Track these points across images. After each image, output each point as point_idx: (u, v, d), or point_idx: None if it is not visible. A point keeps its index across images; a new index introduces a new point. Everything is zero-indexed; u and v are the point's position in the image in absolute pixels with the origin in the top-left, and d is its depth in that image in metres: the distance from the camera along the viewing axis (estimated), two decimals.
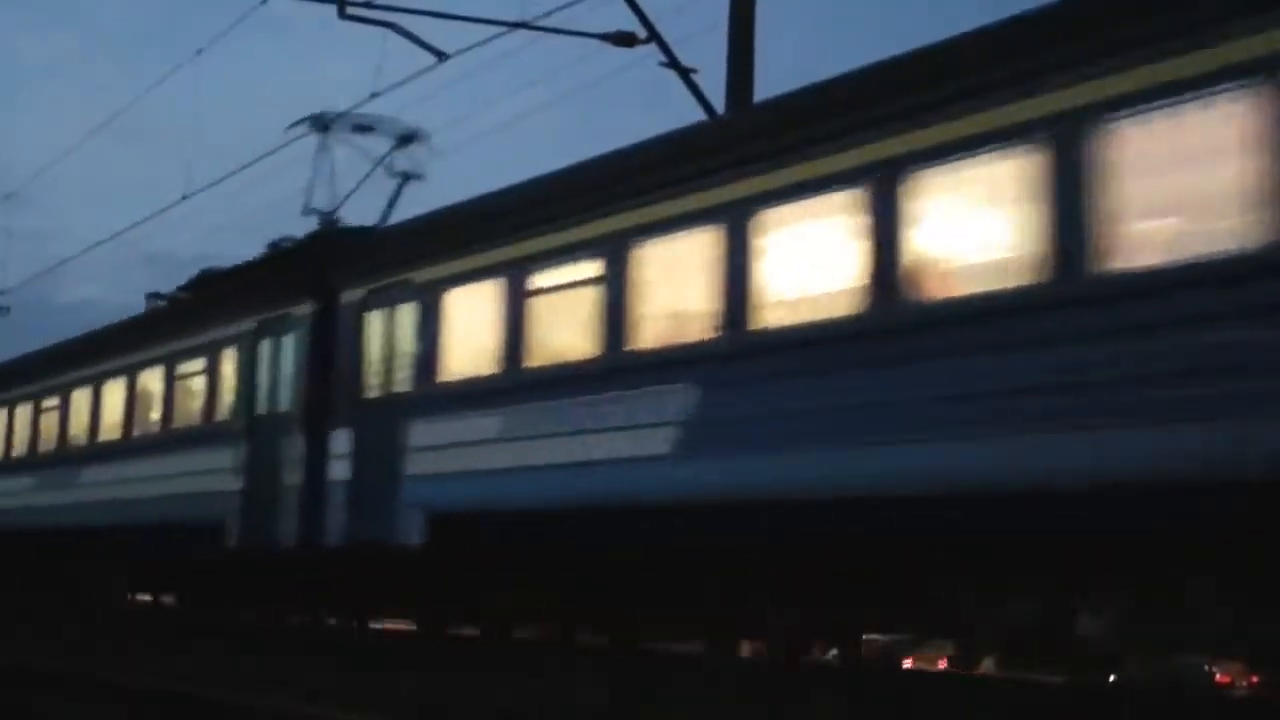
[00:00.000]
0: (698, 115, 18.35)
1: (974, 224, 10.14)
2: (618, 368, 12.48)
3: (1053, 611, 9.71)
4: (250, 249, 22.14)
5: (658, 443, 11.83)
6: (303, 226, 21.17)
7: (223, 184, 25.42)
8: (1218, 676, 9.51)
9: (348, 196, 20.35)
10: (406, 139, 20.17)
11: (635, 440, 12.05)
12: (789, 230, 11.25)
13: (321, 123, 20.22)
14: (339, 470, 16.14)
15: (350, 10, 18.93)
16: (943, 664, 11.80)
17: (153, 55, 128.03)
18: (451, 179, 22.25)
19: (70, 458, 24.04)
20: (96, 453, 23.01)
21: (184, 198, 26.03)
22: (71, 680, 14.23)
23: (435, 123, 20.88)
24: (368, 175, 20.25)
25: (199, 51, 27.50)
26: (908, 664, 12.08)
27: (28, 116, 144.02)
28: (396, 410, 15.33)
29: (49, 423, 25.35)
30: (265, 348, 18.07)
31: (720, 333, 11.55)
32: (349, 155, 20.38)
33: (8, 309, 46.90)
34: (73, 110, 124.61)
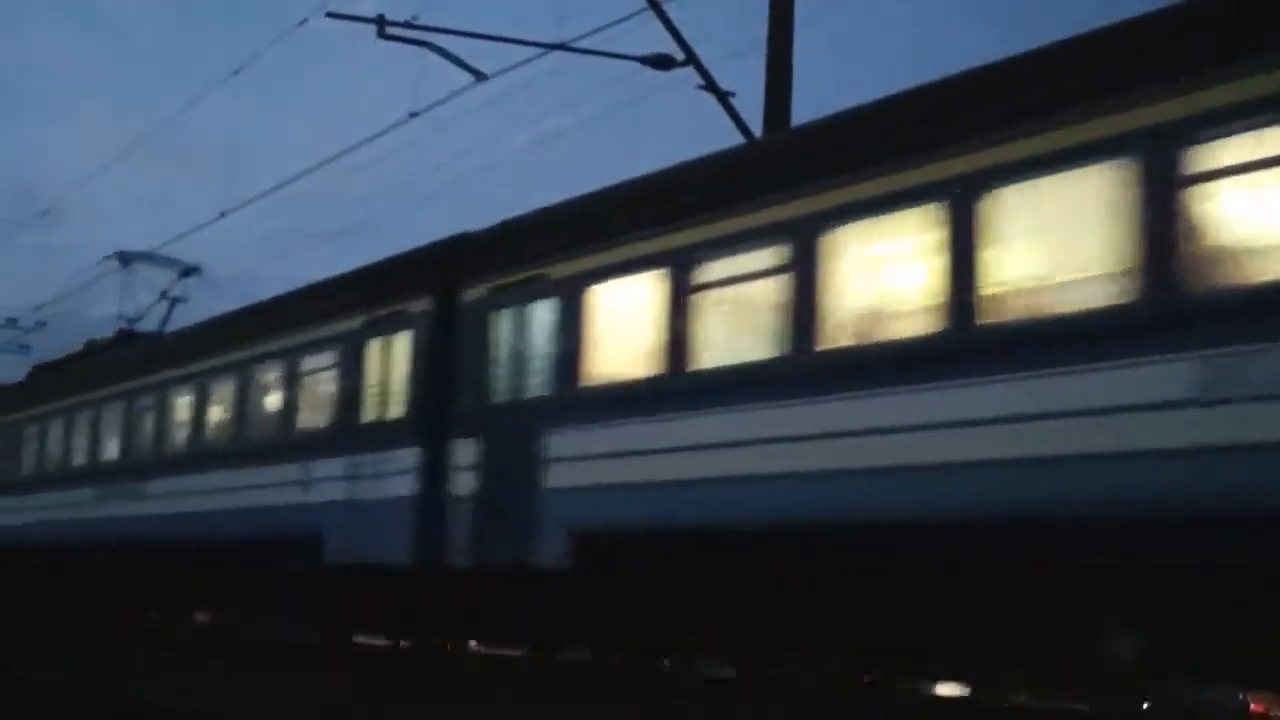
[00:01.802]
0: (735, 138, 18.41)
1: None
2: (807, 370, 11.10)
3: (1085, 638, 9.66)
4: (284, 269, 22.26)
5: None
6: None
7: (257, 202, 25.56)
8: (1252, 706, 9.44)
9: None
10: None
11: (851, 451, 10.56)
12: (1035, 209, 9.83)
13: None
14: (461, 483, 14.92)
15: (389, 30, 19.09)
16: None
17: (189, 72, 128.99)
18: (465, 202, 22.30)
19: (142, 467, 22.64)
20: (174, 462, 21.58)
21: (221, 215, 26.27)
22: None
23: (473, 141, 21.07)
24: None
25: (236, 71, 27.86)
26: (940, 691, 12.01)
27: (62, 132, 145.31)
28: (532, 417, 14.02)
29: (119, 429, 23.89)
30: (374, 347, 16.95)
31: (949, 327, 10.12)
32: None
33: (44, 324, 47.34)
34: (107, 126, 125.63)
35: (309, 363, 18.29)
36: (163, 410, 22.16)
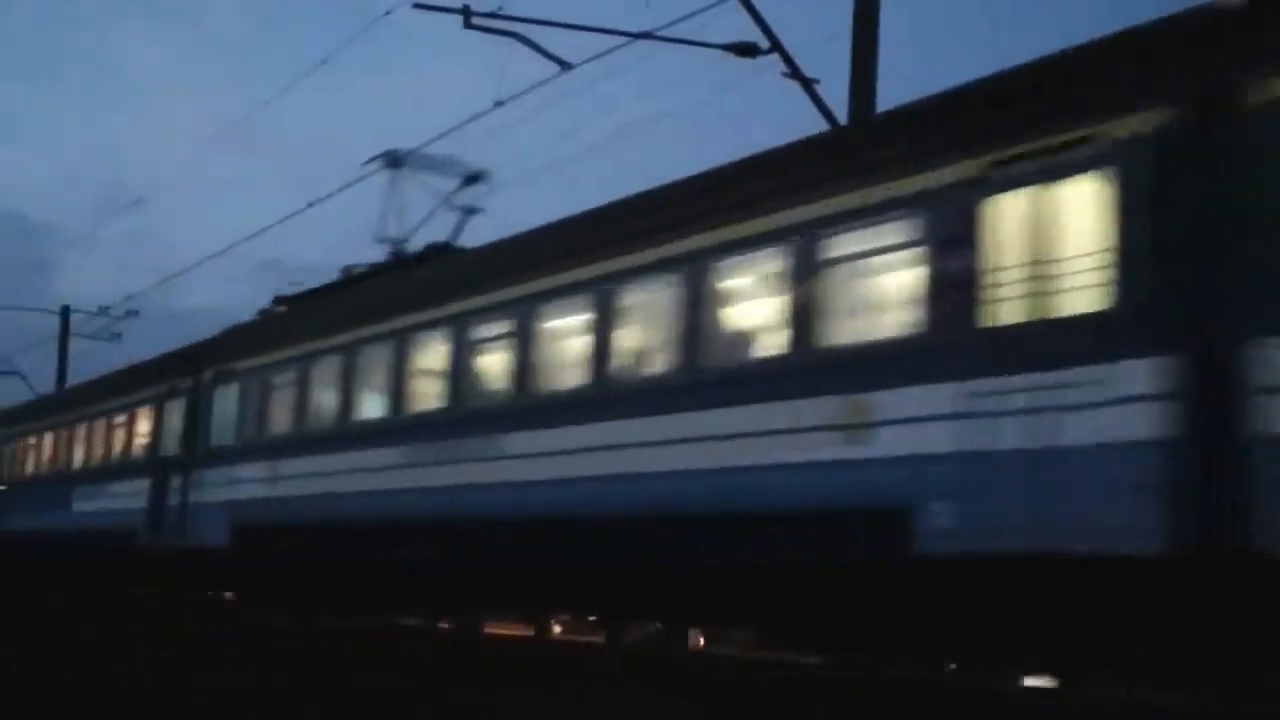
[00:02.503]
0: (820, 126, 18.35)
1: None
2: None
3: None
4: (369, 256, 22.53)
5: None
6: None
7: (345, 193, 25.78)
8: None
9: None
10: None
11: None
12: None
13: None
14: None
15: (475, 21, 19.20)
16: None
17: (273, 65, 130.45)
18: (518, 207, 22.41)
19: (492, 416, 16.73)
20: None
21: (309, 205, 26.54)
22: None
23: (554, 132, 21.23)
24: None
25: (323, 61, 28.13)
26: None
27: (149, 125, 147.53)
28: None
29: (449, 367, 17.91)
30: None
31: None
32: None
33: (136, 313, 48.10)
34: (193, 118, 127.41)
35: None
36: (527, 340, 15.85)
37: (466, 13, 19.09)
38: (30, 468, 33.85)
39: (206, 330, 28.02)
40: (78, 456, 29.97)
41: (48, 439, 32.41)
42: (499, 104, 20.40)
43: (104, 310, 48.92)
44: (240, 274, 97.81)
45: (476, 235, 20.83)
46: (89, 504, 27.98)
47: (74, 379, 51.82)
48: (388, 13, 21.63)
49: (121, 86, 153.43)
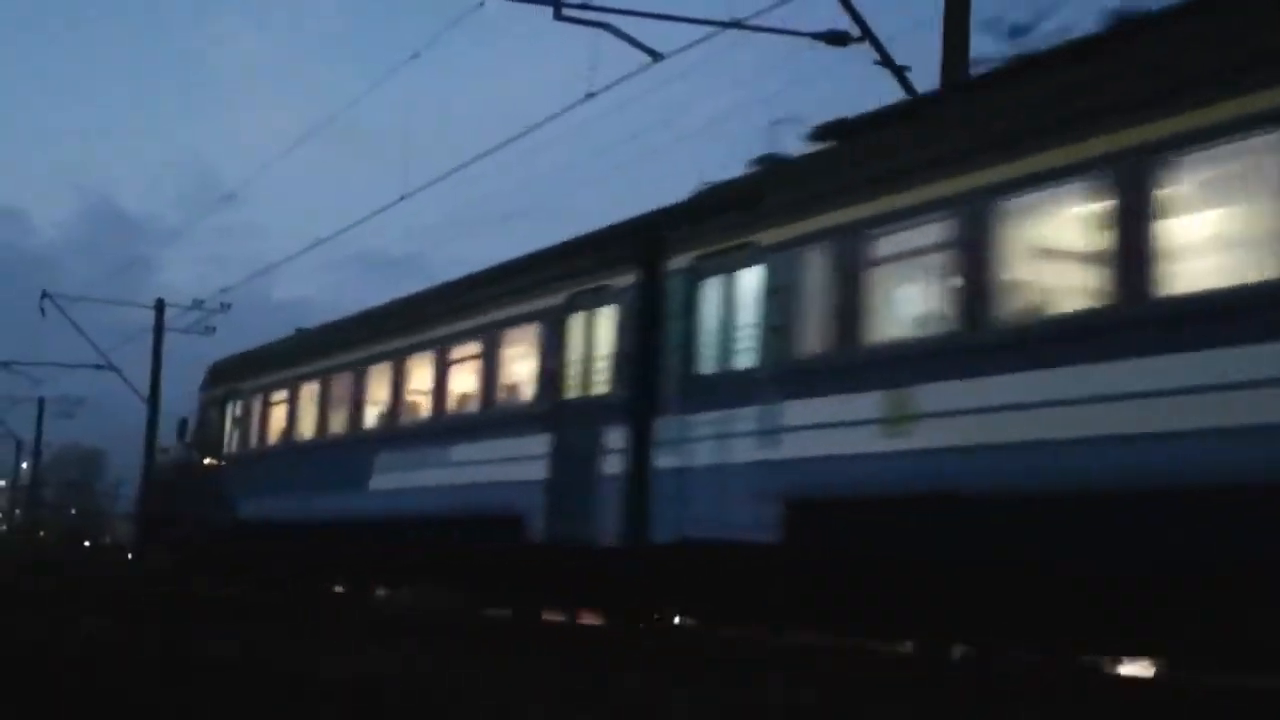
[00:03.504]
0: None
1: None
2: None
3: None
4: (458, 248, 22.86)
5: None
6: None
7: (435, 185, 26.00)
8: None
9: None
10: None
11: None
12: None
13: None
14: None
15: (566, 12, 19.29)
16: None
17: (366, 58, 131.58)
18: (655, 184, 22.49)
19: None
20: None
21: (401, 198, 26.80)
22: None
23: (649, 121, 21.33)
24: None
25: (415, 55, 28.39)
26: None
27: (242, 120, 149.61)
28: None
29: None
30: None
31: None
32: None
33: (229, 306, 48.78)
34: (285, 112, 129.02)
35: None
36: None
37: (557, 4, 19.20)
38: (284, 432, 26.25)
39: (302, 321, 28.38)
40: (380, 411, 22.62)
41: (313, 390, 25.08)
42: (590, 95, 20.51)
43: (198, 304, 49.69)
44: (334, 265, 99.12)
45: None
46: (407, 478, 20.82)
47: (168, 374, 52.62)
48: (481, 3, 21.76)
49: (217, 83, 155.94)
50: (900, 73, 18.71)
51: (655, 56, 19.33)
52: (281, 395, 26.48)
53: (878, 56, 18.72)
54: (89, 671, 10.33)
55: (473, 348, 19.74)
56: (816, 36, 18.80)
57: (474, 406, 19.66)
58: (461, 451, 19.42)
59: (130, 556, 57.04)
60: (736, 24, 19.11)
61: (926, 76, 18.39)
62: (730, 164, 18.63)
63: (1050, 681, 10.65)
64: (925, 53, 18.41)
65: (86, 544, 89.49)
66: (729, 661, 12.19)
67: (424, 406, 21.16)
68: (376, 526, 21.45)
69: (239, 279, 59.24)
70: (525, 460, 17.62)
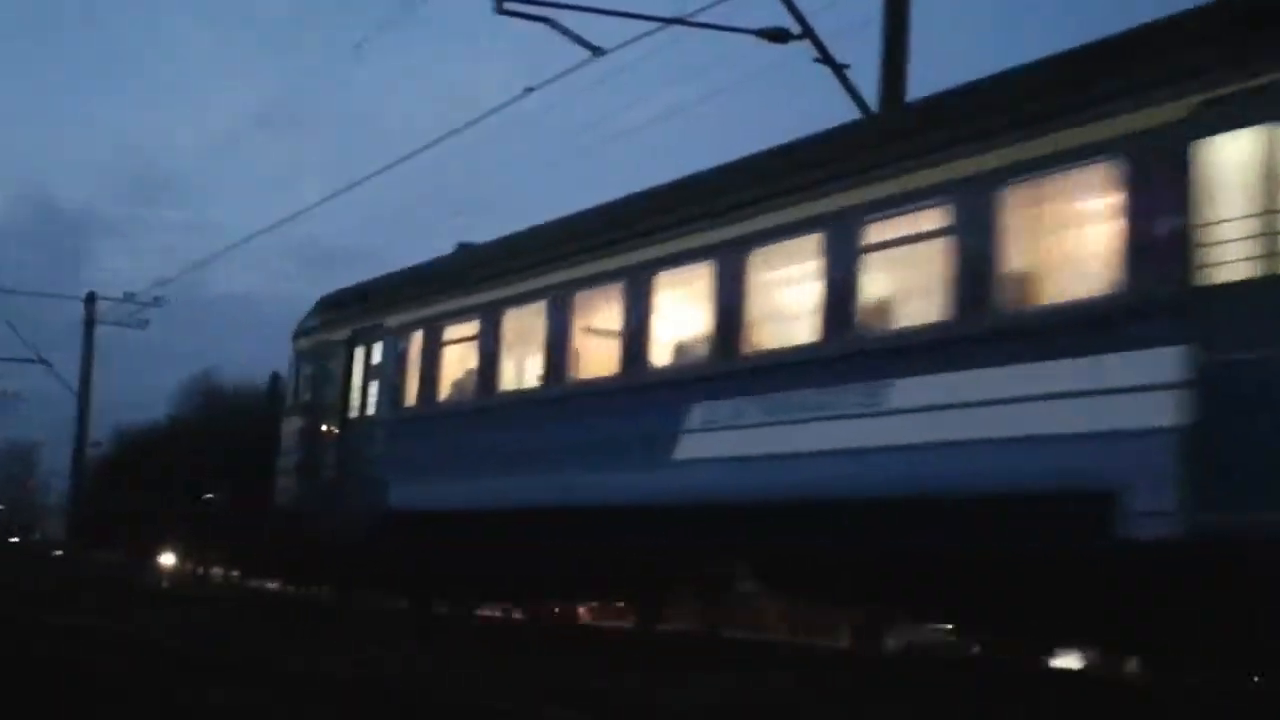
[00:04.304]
0: (852, 112, 18.36)
1: None
2: None
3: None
4: (398, 241, 22.73)
5: None
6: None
7: (375, 179, 25.90)
8: None
9: None
10: None
11: None
12: None
13: None
14: None
15: (507, 5, 19.21)
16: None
17: (311, 50, 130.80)
18: (606, 172, 22.46)
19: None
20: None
21: (349, 187, 26.75)
22: None
23: (592, 116, 21.30)
24: None
25: (357, 46, 28.28)
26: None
27: (184, 110, 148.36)
28: None
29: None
30: None
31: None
32: None
33: (163, 299, 48.35)
34: (227, 106, 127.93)
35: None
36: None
37: None
38: (485, 382, 18.09)
39: (244, 313, 27.44)
40: (707, 334, 14.72)
41: (532, 320, 17.22)
42: (529, 90, 20.47)
43: (129, 297, 49.19)
44: (276, 258, 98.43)
45: None
46: (789, 438, 13.31)
47: (100, 369, 52.08)
48: None
49: (159, 74, 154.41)
50: (840, 70, 18.78)
51: (596, 51, 19.30)
52: (468, 330, 18.43)
53: (818, 54, 18.79)
54: None
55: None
56: (757, 34, 18.84)
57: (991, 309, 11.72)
58: (929, 388, 11.93)
59: (60, 554, 56.46)
60: (678, 20, 19.13)
61: (870, 74, 18.50)
62: (676, 158, 18.66)
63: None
64: (870, 50, 18.51)
65: (14, 540, 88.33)
66: None
67: (832, 320, 13.13)
68: (717, 515, 13.97)
69: (177, 272, 58.73)
70: (1125, 397, 10.41)
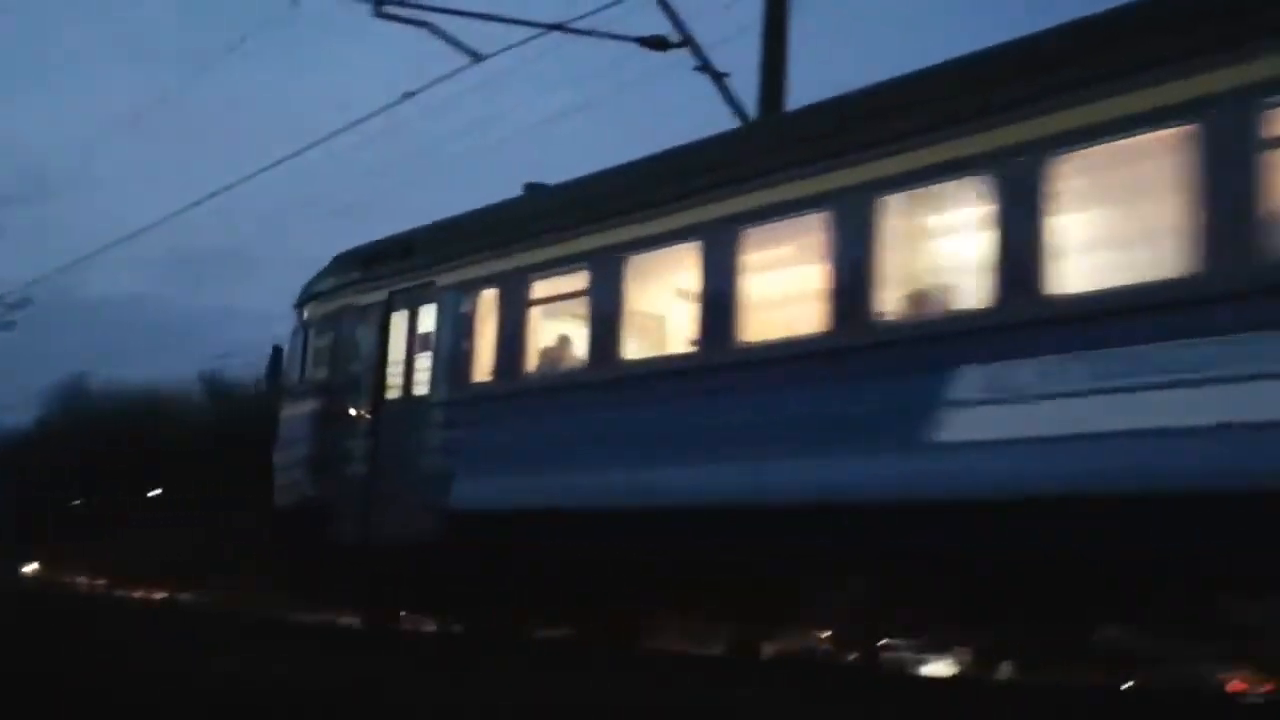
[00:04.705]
0: (731, 121, 18.50)
1: None
2: None
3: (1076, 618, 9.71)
4: (278, 245, 22.33)
5: None
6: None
7: (256, 179, 25.61)
8: (1229, 685, 9.55)
9: None
10: None
11: None
12: None
13: None
14: None
15: (386, 9, 19.08)
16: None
17: (192, 50, 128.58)
18: (486, 179, 22.44)
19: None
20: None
21: (219, 190, 26.31)
22: None
23: (467, 122, 21.21)
24: None
25: (231, 50, 27.99)
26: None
27: (65, 108, 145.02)
28: None
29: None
30: None
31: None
32: None
33: (30, 301, 47.26)
34: (101, 102, 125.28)
35: None
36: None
37: (378, 0, 18.97)
38: (576, 352, 14.66)
39: (113, 319, 26.87)
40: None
41: (658, 269, 13.88)
42: (409, 95, 20.35)
43: None
44: (148, 261, 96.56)
45: None
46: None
47: None
48: (295, 2, 21.45)
49: (40, 71, 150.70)
50: (719, 78, 18.89)
51: (476, 57, 19.24)
52: (571, 284, 14.44)
53: (697, 62, 18.90)
54: None
55: None
56: (637, 41, 18.90)
57: None
58: None
59: None
60: (559, 26, 19.14)
61: (752, 82, 18.64)
62: (557, 163, 18.59)
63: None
64: (752, 58, 18.67)
65: None
66: None
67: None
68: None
69: (45, 273, 57.54)
70: None
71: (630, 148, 15.34)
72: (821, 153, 11.96)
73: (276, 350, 19.53)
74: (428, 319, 16.23)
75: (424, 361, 16.18)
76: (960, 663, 11.52)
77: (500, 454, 14.76)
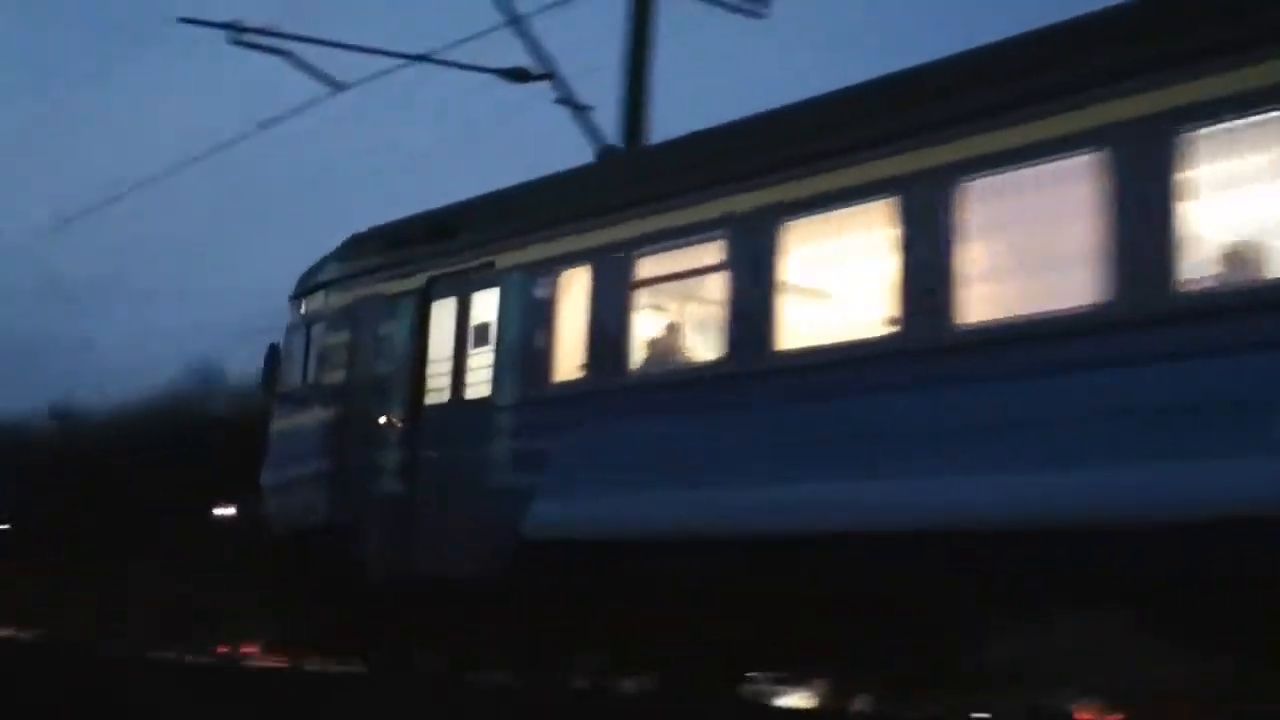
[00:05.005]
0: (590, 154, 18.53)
1: None
2: None
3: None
4: (136, 276, 21.91)
5: None
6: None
7: (103, 210, 25.11)
8: (1079, 715, 9.69)
9: None
10: None
11: None
12: None
13: None
14: None
15: (244, 38, 18.83)
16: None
17: (44, 76, 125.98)
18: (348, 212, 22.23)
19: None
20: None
21: (66, 221, 25.76)
22: None
23: (329, 154, 21.11)
24: None
25: (89, 76, 27.48)
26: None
27: None
28: None
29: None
30: None
31: None
32: None
33: None
34: None
35: None
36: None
37: (234, 28, 18.73)
38: (706, 345, 11.68)
39: None
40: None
41: (822, 237, 11.09)
42: (263, 125, 20.13)
43: None
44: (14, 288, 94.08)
45: None
46: None
47: None
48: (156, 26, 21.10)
49: None
50: (580, 110, 18.90)
51: (337, 87, 19.08)
52: (693, 259, 11.68)
53: (557, 94, 18.91)
54: None
55: None
56: (498, 73, 18.86)
57: None
58: None
59: None
60: (422, 57, 19.06)
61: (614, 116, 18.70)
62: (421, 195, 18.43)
63: None
64: (615, 91, 18.74)
65: None
66: None
67: None
68: None
69: None
70: None
71: (493, 177, 15.27)
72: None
73: (273, 349, 16.50)
74: (485, 308, 13.34)
75: (480, 358, 13.32)
76: (817, 694, 11.56)
77: (593, 470, 11.87)
